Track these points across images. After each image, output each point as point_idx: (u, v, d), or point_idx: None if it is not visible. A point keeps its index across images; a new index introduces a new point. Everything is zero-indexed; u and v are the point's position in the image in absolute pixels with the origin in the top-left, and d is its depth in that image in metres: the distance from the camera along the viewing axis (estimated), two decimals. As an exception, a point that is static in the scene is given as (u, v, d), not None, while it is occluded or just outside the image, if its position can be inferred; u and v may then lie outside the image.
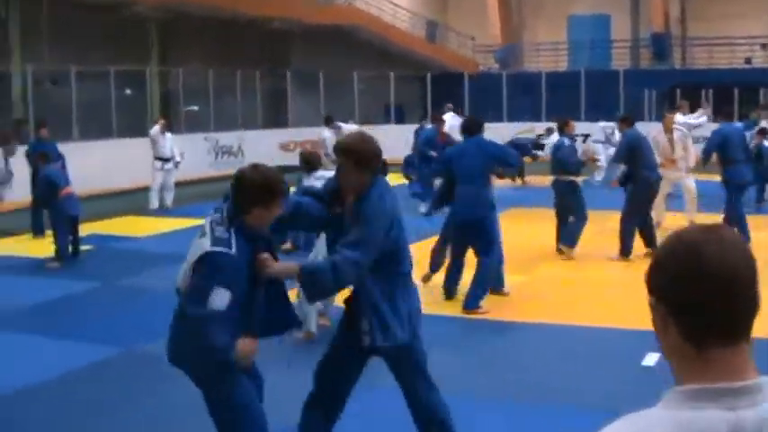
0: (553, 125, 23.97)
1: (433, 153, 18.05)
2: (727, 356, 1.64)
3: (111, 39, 24.97)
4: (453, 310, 9.79)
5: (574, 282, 11.20)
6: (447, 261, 10.51)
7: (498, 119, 30.41)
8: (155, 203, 18.75)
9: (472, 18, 38.84)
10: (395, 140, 23.09)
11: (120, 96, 25.52)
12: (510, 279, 10.59)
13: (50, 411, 6.98)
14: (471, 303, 9.72)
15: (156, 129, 19.03)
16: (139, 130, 22.59)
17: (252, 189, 4.49)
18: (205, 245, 4.43)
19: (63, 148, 16.34)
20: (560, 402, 6.95)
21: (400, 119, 33.27)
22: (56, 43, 23.34)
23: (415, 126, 24.15)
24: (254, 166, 4.68)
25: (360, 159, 4.91)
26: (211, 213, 4.61)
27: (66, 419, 6.78)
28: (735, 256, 1.64)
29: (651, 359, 7.49)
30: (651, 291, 1.71)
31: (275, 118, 31.15)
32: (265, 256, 4.62)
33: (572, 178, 12.76)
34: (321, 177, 8.82)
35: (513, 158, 10.98)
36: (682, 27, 37.69)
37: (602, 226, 13.52)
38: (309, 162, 10.13)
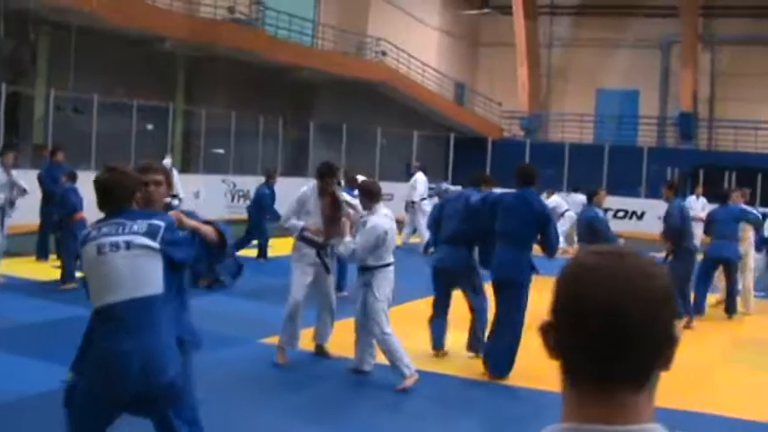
0: (553, 189, 23.65)
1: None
2: (601, 400, 1.43)
3: (138, 72, 24.98)
4: (453, 368, 9.46)
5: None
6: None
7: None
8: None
9: (500, 83, 38.86)
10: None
11: (142, 130, 25.41)
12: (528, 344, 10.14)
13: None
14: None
15: (168, 161, 18.86)
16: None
17: (125, 182, 4.78)
18: (146, 242, 4.61)
19: (80, 175, 16.15)
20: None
21: (420, 178, 33.07)
22: (82, 71, 23.37)
23: (432, 185, 23.54)
24: (106, 169, 4.87)
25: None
26: (97, 237, 4.68)
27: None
28: (625, 290, 1.42)
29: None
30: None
31: (295, 166, 31.01)
32: (176, 213, 4.97)
33: None
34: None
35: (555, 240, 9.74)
36: (710, 108, 37.60)
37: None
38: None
